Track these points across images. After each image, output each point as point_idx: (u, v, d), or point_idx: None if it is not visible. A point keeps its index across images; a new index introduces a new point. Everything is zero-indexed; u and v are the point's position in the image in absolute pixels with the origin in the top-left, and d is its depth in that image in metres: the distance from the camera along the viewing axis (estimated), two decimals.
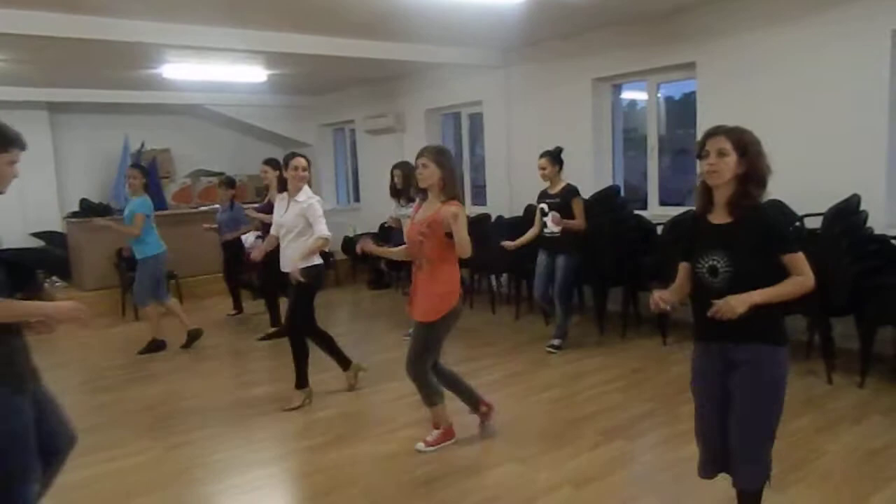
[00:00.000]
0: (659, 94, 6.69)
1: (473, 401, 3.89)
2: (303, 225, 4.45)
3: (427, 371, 3.58)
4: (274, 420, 4.35)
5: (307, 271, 4.35)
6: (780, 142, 5.26)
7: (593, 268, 5.84)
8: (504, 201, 7.87)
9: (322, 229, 4.42)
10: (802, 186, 5.08)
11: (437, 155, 3.48)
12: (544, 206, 5.44)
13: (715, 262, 2.28)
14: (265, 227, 6.18)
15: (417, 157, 3.50)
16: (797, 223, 4.88)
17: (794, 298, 2.26)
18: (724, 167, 2.27)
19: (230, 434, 4.15)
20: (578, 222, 5.35)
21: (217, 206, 7.90)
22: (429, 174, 3.45)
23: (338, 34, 6.34)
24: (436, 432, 3.71)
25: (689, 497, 3.10)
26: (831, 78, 5.06)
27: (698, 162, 2.37)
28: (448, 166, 3.47)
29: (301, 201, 4.47)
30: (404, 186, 5.88)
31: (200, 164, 10.18)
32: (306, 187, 4.54)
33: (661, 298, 2.44)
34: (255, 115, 10.42)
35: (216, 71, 7.51)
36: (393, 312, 7.43)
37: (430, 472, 3.47)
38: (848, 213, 4.49)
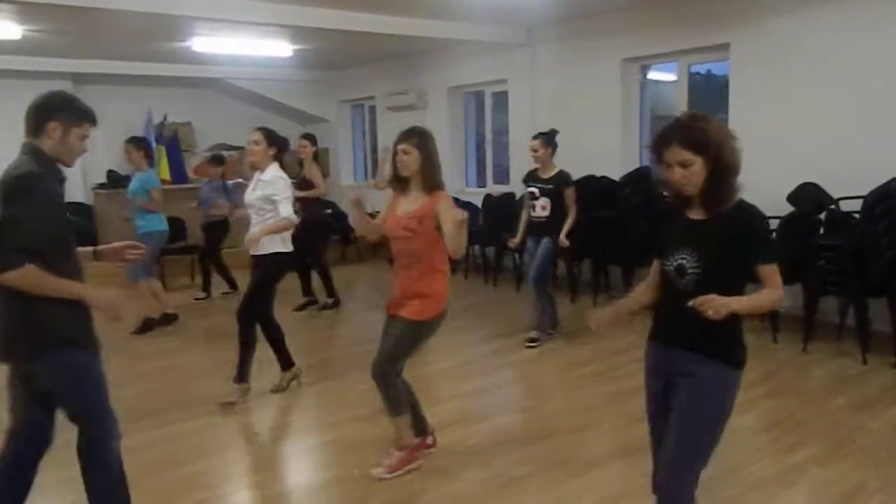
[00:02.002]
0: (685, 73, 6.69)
1: (422, 425, 3.42)
2: (268, 205, 4.14)
3: (396, 375, 3.19)
4: (322, 389, 4.44)
5: (268, 258, 4.10)
6: (816, 125, 5.37)
7: (624, 246, 5.91)
8: None
9: (285, 210, 4.10)
10: (838, 169, 5.13)
11: (421, 139, 3.10)
12: (535, 189, 5.21)
13: (683, 261, 2.05)
14: (299, 202, 6.19)
15: (397, 143, 3.12)
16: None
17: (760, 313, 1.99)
18: (692, 177, 2.00)
19: (282, 402, 4.26)
20: (572, 215, 5.09)
21: (239, 179, 7.87)
22: (410, 161, 3.07)
23: (363, 9, 6.32)
24: (398, 454, 3.25)
25: (742, 464, 3.17)
26: (870, 60, 5.05)
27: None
28: (431, 152, 3.12)
29: (266, 180, 4.18)
30: None
31: (221, 138, 10.17)
32: (275, 165, 4.21)
33: (596, 321, 2.35)
34: (276, 89, 10.40)
35: (244, 45, 7.50)
36: None
37: (482, 441, 3.57)
38: (887, 197, 4.53)
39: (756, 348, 4.92)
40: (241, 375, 4.21)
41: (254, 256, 4.13)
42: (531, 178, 5.31)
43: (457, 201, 8.53)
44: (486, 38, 7.50)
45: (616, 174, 6.65)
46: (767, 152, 5.65)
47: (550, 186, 5.13)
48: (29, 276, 2.16)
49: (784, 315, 5.13)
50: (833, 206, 4.97)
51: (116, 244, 2.65)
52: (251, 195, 4.24)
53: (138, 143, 6.19)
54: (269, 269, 4.17)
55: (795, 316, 5.00)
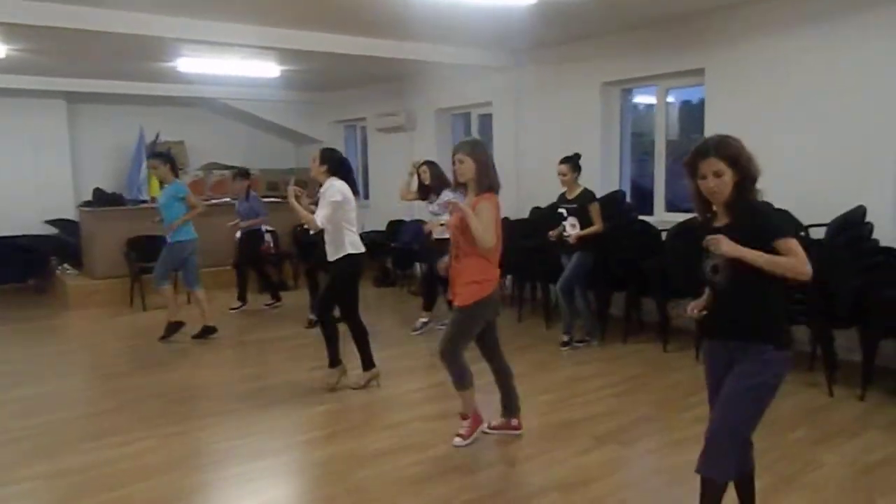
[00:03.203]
0: (671, 99, 6.67)
1: (512, 407, 3.88)
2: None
3: (458, 354, 3.64)
4: (277, 412, 4.39)
5: (339, 262, 4.53)
6: (787, 150, 5.30)
7: (597, 272, 5.84)
8: (511, 203, 7.81)
9: (319, 214, 4.38)
10: (808, 195, 5.07)
11: (472, 149, 3.54)
12: (563, 210, 5.58)
13: (716, 261, 2.38)
14: None
15: (454, 154, 3.57)
16: (803, 230, 4.85)
17: (786, 275, 2.27)
18: (723, 187, 2.35)
19: (232, 425, 4.20)
20: (596, 227, 5.46)
21: (227, 198, 7.94)
22: (465, 169, 3.50)
23: (350, 32, 6.37)
24: (466, 423, 3.71)
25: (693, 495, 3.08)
26: (841, 88, 5.02)
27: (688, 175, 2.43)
28: (481, 159, 3.52)
29: (322, 192, 4.47)
30: (433, 183, 6.06)
31: (213, 157, 10.27)
32: (332, 179, 4.50)
33: (695, 307, 2.56)
34: (268, 109, 10.50)
35: (230, 65, 7.58)
36: (398, 309, 7.47)
37: (421, 470, 3.48)
38: (852, 224, 4.46)
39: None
40: (333, 361, 4.68)
41: (329, 261, 4.59)
42: (560, 200, 5.68)
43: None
44: (471, 62, 7.53)
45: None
46: None
47: (575, 205, 5.51)
48: None
49: None
50: (802, 234, 4.89)
51: None
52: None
53: (163, 158, 6.34)
54: (339, 271, 4.55)
55: None
